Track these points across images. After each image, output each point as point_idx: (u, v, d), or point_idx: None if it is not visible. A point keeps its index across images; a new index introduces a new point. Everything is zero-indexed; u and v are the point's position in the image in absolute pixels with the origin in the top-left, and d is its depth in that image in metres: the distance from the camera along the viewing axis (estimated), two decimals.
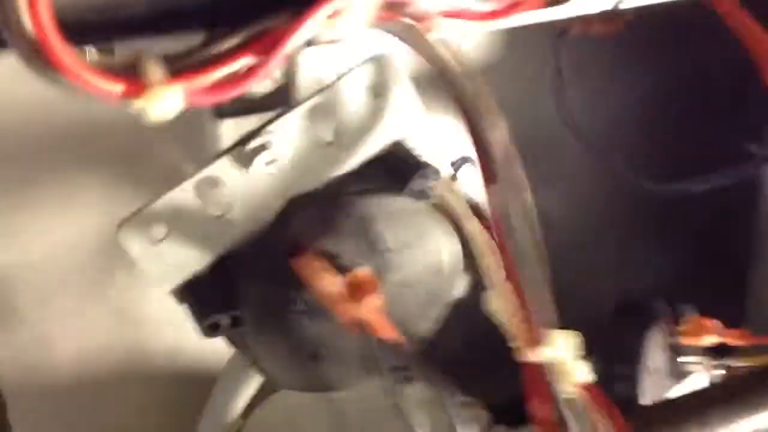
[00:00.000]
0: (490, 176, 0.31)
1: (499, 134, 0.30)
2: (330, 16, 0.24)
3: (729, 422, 0.50)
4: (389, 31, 0.27)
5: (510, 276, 0.31)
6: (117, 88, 0.21)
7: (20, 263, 0.46)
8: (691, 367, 0.59)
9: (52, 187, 0.49)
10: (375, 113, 0.31)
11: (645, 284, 0.64)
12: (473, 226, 0.34)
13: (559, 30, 0.56)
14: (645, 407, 0.55)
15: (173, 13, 0.24)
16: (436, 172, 0.32)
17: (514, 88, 0.57)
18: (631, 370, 0.61)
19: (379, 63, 0.31)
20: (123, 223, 0.29)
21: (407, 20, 0.27)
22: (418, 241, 0.33)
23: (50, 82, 0.21)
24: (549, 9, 0.35)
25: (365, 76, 0.31)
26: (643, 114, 0.62)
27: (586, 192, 0.64)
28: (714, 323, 0.57)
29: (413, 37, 0.28)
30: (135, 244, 0.29)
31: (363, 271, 0.31)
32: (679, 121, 0.58)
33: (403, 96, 0.32)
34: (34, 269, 0.50)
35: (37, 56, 0.21)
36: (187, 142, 0.31)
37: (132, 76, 0.22)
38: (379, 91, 0.31)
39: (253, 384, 0.38)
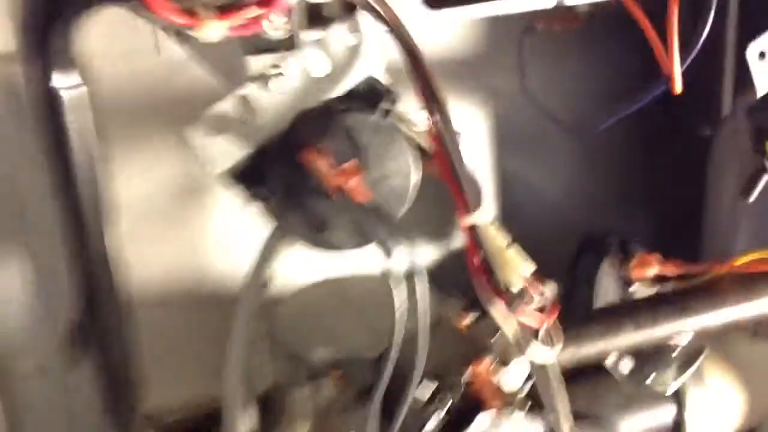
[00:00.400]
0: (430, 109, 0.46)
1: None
2: None
3: (654, 321, 0.64)
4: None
5: (446, 171, 0.47)
6: (186, 20, 0.38)
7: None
8: (637, 294, 0.73)
9: (141, 146, 0.66)
10: (354, 56, 0.47)
11: (608, 225, 0.78)
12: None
13: (525, 26, 0.72)
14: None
15: None
16: (396, 97, 0.48)
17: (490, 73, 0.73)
18: (586, 294, 0.75)
19: (354, 22, 0.47)
20: (189, 127, 0.45)
21: None
22: (388, 146, 0.48)
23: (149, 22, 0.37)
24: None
25: (345, 32, 0.47)
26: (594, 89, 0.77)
27: (553, 157, 0.79)
28: (656, 257, 0.71)
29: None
30: (196, 139, 0.45)
31: (350, 164, 0.47)
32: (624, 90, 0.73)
33: (372, 45, 0.47)
34: (125, 209, 0.67)
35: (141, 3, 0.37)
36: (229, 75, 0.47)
37: (194, 15, 0.38)
38: (356, 42, 0.47)
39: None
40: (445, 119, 0.46)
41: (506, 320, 0.49)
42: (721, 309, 0.65)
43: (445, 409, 0.49)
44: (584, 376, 0.72)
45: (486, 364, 0.51)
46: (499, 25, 0.74)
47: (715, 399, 0.77)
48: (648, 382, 0.71)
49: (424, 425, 0.49)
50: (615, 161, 0.81)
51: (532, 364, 0.53)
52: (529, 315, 0.49)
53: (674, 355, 0.73)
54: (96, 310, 0.48)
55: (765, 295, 0.66)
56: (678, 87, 0.52)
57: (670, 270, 0.70)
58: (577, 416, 0.60)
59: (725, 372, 0.78)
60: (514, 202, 0.78)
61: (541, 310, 0.49)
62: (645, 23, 0.53)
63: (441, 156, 0.47)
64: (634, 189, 0.82)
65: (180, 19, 0.38)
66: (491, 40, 0.74)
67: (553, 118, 0.70)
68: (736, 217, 0.76)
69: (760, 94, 0.56)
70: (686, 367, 0.72)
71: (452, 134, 0.47)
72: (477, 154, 0.77)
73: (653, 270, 0.70)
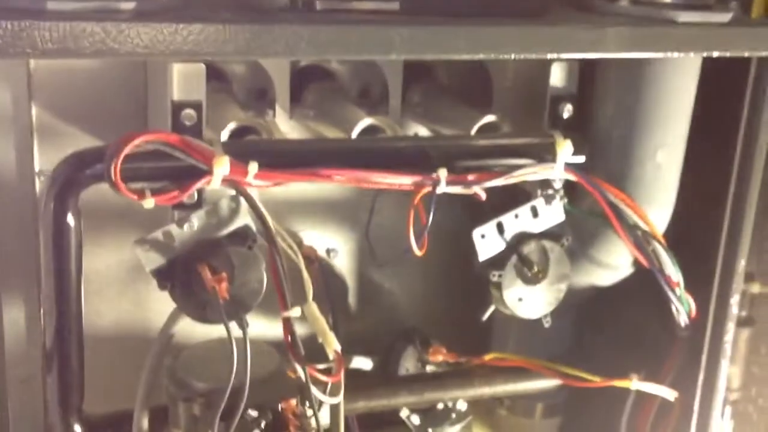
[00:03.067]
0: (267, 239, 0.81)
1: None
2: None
3: (422, 389, 0.99)
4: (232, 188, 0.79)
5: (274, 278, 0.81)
6: (135, 197, 0.73)
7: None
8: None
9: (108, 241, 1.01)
10: (233, 215, 0.83)
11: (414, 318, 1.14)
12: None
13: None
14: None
15: None
16: (256, 238, 0.83)
17: None
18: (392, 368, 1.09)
19: (235, 197, 0.82)
20: (135, 243, 0.80)
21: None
22: (251, 266, 0.83)
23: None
24: None
25: (229, 201, 0.82)
26: None
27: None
28: (442, 350, 1.06)
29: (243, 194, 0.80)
30: (139, 249, 0.80)
31: (221, 275, 0.82)
32: None
33: (244, 208, 0.83)
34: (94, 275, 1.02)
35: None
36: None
37: (142, 194, 0.73)
38: (235, 207, 0.82)
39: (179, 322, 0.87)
40: (273, 243, 0.81)
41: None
42: (469, 387, 1.01)
43: (262, 425, 0.83)
44: (389, 426, 1.07)
45: (293, 403, 0.85)
46: None
47: None
48: (429, 431, 1.06)
49: None
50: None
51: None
52: (320, 375, 0.83)
53: (453, 416, 1.08)
54: (62, 339, 0.82)
55: (501, 381, 1.02)
56: None
57: (451, 357, 1.05)
58: None
59: None
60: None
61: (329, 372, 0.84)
62: None
63: (272, 267, 0.82)
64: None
65: (132, 196, 0.73)
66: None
67: None
68: None
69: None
70: (456, 425, 1.07)
71: (280, 254, 0.81)
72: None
73: (441, 357, 1.06)
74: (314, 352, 0.85)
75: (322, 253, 1.11)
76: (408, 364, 1.07)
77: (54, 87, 0.94)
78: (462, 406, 1.07)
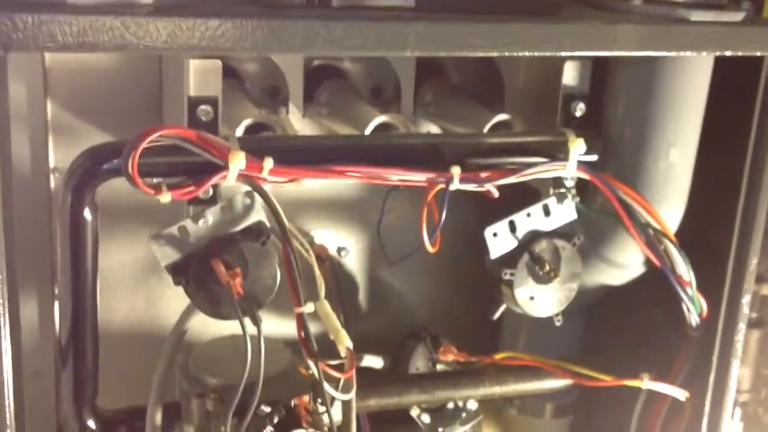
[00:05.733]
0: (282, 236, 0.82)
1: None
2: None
3: (433, 388, 0.99)
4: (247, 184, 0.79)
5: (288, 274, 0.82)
6: (152, 192, 0.73)
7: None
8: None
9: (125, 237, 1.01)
10: (249, 210, 0.83)
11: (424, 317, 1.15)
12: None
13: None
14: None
15: None
16: (270, 234, 0.83)
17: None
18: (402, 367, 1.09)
19: (250, 193, 0.82)
20: (150, 238, 0.80)
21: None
22: (264, 261, 0.83)
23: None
24: None
25: (244, 197, 0.83)
26: None
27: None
28: (453, 349, 1.06)
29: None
30: (155, 244, 0.80)
31: (235, 270, 0.82)
32: None
33: (259, 204, 0.83)
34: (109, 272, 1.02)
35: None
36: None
37: (158, 189, 0.74)
38: (249, 202, 0.83)
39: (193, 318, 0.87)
40: (287, 238, 0.81)
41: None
42: (480, 386, 1.01)
43: (275, 421, 0.83)
44: (401, 425, 1.07)
45: (305, 399, 0.85)
46: None
47: None
48: (440, 430, 1.06)
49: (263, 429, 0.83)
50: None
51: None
52: (332, 371, 0.83)
53: (464, 415, 1.08)
54: (78, 333, 0.82)
55: (512, 380, 1.02)
56: None
57: (461, 357, 1.05)
58: None
59: None
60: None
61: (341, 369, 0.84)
62: None
63: (285, 263, 0.82)
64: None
65: (149, 191, 0.73)
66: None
67: None
68: None
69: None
70: (467, 424, 1.07)
71: (294, 251, 0.81)
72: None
73: (451, 356, 1.06)
74: (326, 351, 0.85)
75: (333, 252, 1.11)
76: (418, 363, 1.07)
77: (69, 84, 0.95)
78: (472, 405, 1.07)
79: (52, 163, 0.96)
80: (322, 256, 1.05)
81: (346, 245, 1.12)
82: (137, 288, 1.04)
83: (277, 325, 0.95)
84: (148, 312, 1.05)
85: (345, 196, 1.11)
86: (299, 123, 1.00)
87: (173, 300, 1.00)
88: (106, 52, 0.79)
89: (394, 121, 0.94)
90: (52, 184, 0.96)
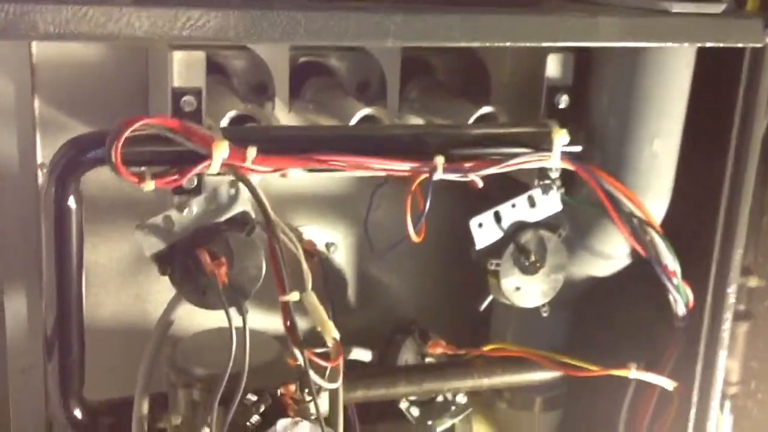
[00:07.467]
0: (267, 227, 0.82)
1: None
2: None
3: (421, 380, 0.99)
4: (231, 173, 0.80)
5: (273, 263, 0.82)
6: (135, 180, 0.74)
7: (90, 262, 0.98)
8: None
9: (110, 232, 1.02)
10: (232, 201, 0.83)
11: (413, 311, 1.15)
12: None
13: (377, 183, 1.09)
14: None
15: None
16: (254, 224, 0.84)
17: None
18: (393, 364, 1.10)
19: (234, 183, 0.83)
20: (136, 227, 0.81)
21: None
22: (249, 251, 0.84)
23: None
24: None
25: (228, 187, 0.83)
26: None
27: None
28: (441, 342, 1.06)
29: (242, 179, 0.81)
30: (139, 234, 0.80)
31: (220, 260, 0.82)
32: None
33: (243, 195, 0.84)
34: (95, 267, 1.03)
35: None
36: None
37: (141, 177, 0.74)
38: (234, 193, 0.83)
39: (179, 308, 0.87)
40: (271, 227, 0.81)
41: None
42: (469, 378, 1.01)
43: (261, 410, 0.83)
44: (391, 417, 1.07)
45: (292, 388, 0.86)
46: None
47: None
48: (429, 423, 1.06)
49: (249, 418, 0.83)
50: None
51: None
52: (319, 359, 0.83)
53: (453, 408, 1.08)
54: (64, 324, 0.83)
55: (500, 371, 1.02)
56: None
57: (450, 350, 1.05)
58: None
59: (488, 427, 1.13)
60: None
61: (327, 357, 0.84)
62: None
63: (270, 251, 0.82)
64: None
65: (133, 179, 0.74)
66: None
67: None
68: None
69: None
70: (456, 417, 1.07)
71: (278, 241, 0.82)
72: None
73: (440, 349, 1.06)
74: (314, 345, 0.85)
75: (321, 247, 1.12)
76: (407, 357, 1.08)
77: (57, 79, 0.95)
78: (462, 399, 1.07)
79: (39, 159, 0.97)
80: (310, 251, 1.05)
81: (335, 241, 1.13)
82: (125, 284, 1.05)
83: (267, 322, 0.96)
84: (137, 307, 1.06)
85: (333, 192, 1.12)
86: (285, 118, 1.01)
87: (161, 295, 1.00)
88: (88, 42, 0.80)
89: (378, 113, 0.94)
90: (40, 180, 0.97)
